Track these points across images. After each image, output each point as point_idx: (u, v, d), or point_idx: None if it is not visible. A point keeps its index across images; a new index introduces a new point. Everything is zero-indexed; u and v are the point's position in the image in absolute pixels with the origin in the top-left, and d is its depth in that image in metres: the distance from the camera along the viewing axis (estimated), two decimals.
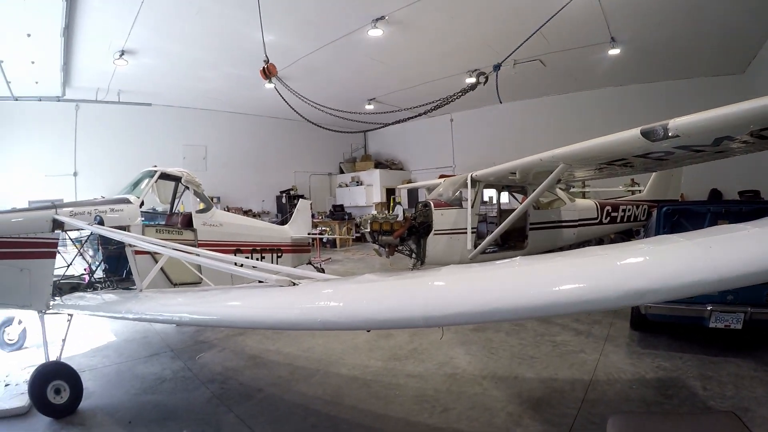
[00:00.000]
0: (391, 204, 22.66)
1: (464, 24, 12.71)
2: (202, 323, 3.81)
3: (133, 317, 4.63)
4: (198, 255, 5.06)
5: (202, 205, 8.30)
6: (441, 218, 9.78)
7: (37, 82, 15.50)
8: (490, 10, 11.88)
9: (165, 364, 6.97)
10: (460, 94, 10.20)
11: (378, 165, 25.39)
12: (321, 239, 16.23)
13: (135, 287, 6.62)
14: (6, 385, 6.01)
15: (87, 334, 8.38)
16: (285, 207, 22.69)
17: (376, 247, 10.21)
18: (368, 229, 9.90)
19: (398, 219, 10.05)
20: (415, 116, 11.18)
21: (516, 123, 21.16)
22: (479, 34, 13.39)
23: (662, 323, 6.92)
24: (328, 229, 20.17)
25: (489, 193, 13.13)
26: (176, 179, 8.16)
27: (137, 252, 6.55)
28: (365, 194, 24.45)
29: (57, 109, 17.56)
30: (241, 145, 22.56)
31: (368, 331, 7.25)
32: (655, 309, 6.49)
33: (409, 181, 24.09)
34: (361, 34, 12.95)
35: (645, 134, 5.84)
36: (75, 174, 17.89)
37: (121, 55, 13.72)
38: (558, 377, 5.88)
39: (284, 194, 23.40)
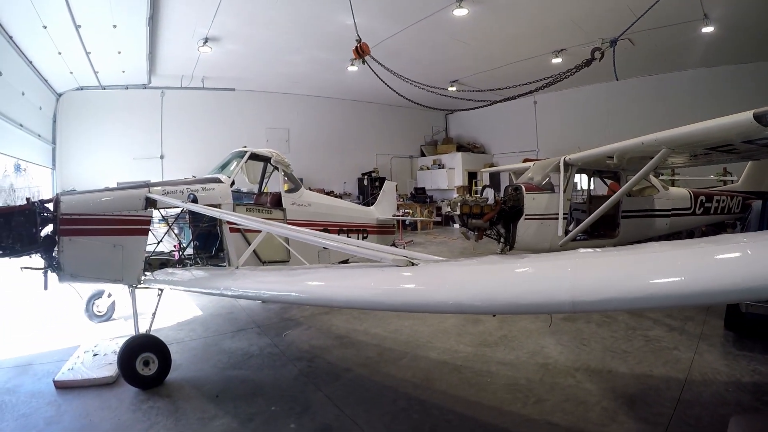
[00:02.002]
0: (473, 187, 22.29)
1: (551, 2, 12.31)
2: (314, 302, 3.66)
3: (232, 294, 4.57)
4: (297, 233, 4.92)
5: (286, 186, 8.31)
6: (532, 202, 9.45)
7: (123, 71, 16.20)
8: None
9: (251, 340, 7.06)
10: (574, 70, 9.85)
11: (459, 148, 25.11)
12: (403, 221, 16.12)
13: (224, 264, 6.73)
14: (95, 355, 6.22)
15: (173, 308, 8.63)
16: (366, 189, 22.90)
17: (465, 230, 9.96)
18: (458, 212, 9.63)
19: (488, 202, 9.79)
20: (525, 93, 10.76)
21: (601, 106, 20.32)
22: (566, 13, 12.92)
23: (758, 325, 6.48)
24: (410, 211, 20.13)
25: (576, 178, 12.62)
26: (266, 160, 8.25)
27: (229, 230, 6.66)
28: (447, 177, 24.23)
29: (143, 97, 18.37)
30: (323, 127, 22.83)
31: (494, 316, 7.02)
32: (756, 308, 6.11)
33: (492, 165, 23.70)
34: (446, 14, 12.69)
35: (758, 118, 5.53)
36: (162, 157, 18.68)
37: (204, 43, 14.07)
38: (652, 374, 5.58)
39: (366, 176, 23.61)
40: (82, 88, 17.26)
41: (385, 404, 4.91)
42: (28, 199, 5.52)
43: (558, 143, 20.03)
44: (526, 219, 9.41)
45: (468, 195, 10.53)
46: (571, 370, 5.72)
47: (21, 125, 13.32)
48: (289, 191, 8.27)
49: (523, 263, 2.93)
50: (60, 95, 17.07)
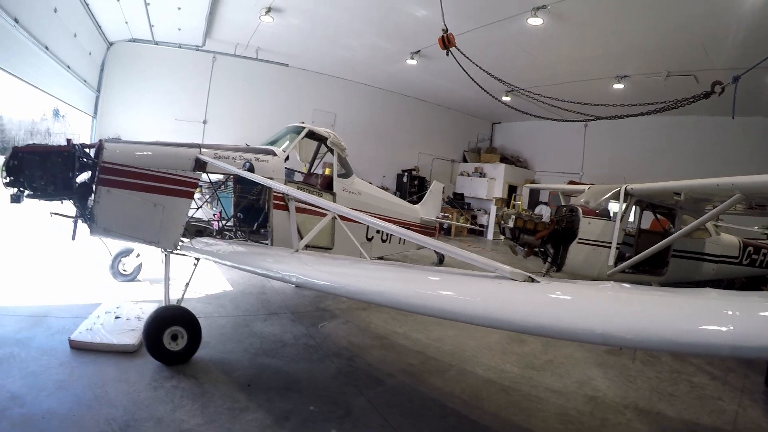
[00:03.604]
0: (512, 201, 21.87)
1: (626, 27, 11.99)
2: (412, 309, 3.12)
3: (297, 281, 4.07)
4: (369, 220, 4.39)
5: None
6: (588, 227, 9.09)
7: (179, 29, 15.98)
8: (658, 19, 11.17)
9: (285, 327, 6.76)
10: (691, 100, 9.60)
11: (503, 159, 24.73)
12: (441, 225, 15.78)
13: (265, 242, 6.41)
14: (116, 318, 5.88)
15: (202, 280, 8.19)
16: (405, 186, 22.71)
17: (513, 244, 9.67)
18: (510, 225, 9.32)
19: (543, 220, 9.46)
20: (637, 114, 10.37)
21: (654, 139, 19.70)
22: (638, 40, 12.59)
23: None
24: (449, 215, 19.73)
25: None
26: (322, 140, 7.82)
27: (276, 206, 6.33)
28: (487, 187, 23.79)
29: (195, 58, 18.16)
30: (370, 117, 22.49)
31: (620, 349, 6.96)
32: None
33: (532, 181, 23.43)
34: (519, 21, 12.35)
35: None
36: (204, 122, 18.46)
37: (267, 12, 13.75)
38: (700, 422, 5.42)
39: (406, 173, 23.33)
40: (134, 40, 17.04)
41: (433, 419, 4.62)
42: (68, 140, 5.15)
43: (604, 170, 19.70)
44: (578, 243, 9.05)
45: (520, 210, 10.17)
46: (621, 407, 5.52)
47: (68, 67, 13.14)
48: (340, 176, 7.89)
49: (666, 296, 2.72)
50: (111, 44, 16.84)
